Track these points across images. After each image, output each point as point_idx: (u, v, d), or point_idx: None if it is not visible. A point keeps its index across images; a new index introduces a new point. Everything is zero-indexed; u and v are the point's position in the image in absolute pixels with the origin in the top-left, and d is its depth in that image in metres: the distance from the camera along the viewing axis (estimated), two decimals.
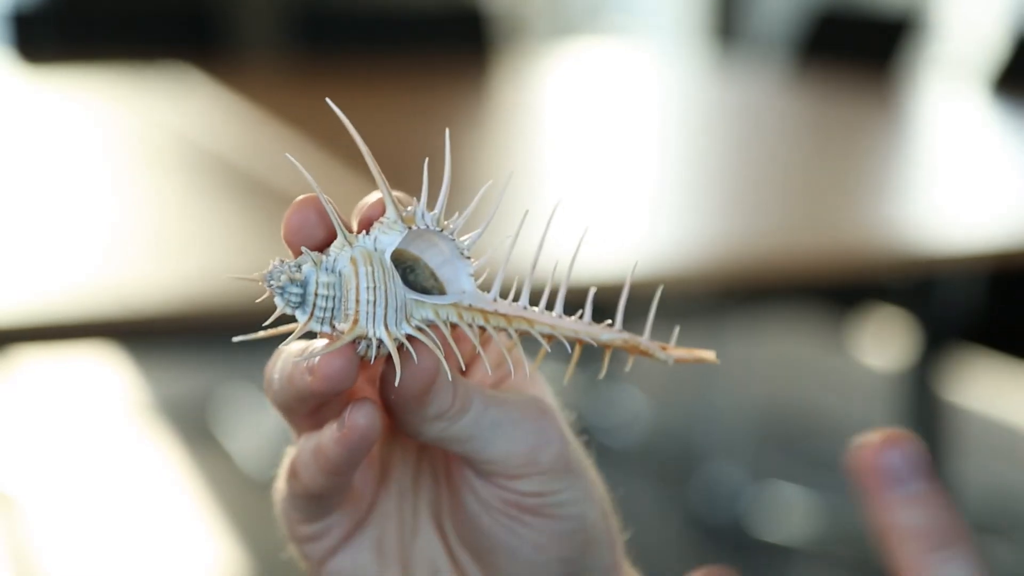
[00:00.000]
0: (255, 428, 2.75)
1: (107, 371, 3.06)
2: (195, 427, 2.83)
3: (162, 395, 3.02)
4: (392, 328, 0.46)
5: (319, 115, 2.51)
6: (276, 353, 0.48)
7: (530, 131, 2.67)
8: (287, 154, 0.49)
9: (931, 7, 4.28)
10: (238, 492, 2.56)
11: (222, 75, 2.77)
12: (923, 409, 2.27)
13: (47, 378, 2.98)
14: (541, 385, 0.52)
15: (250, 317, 0.47)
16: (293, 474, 0.49)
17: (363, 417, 0.46)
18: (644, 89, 3.29)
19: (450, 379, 0.47)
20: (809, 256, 1.62)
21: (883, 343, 2.58)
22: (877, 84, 3.00)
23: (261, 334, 0.47)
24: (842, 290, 2.40)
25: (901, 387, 2.33)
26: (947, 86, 3.18)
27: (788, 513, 2.50)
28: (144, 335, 1.96)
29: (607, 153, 2.32)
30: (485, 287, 0.49)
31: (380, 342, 0.46)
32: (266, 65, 3.30)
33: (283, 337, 0.47)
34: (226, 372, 2.95)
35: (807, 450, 2.85)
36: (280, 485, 0.51)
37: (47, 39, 3.18)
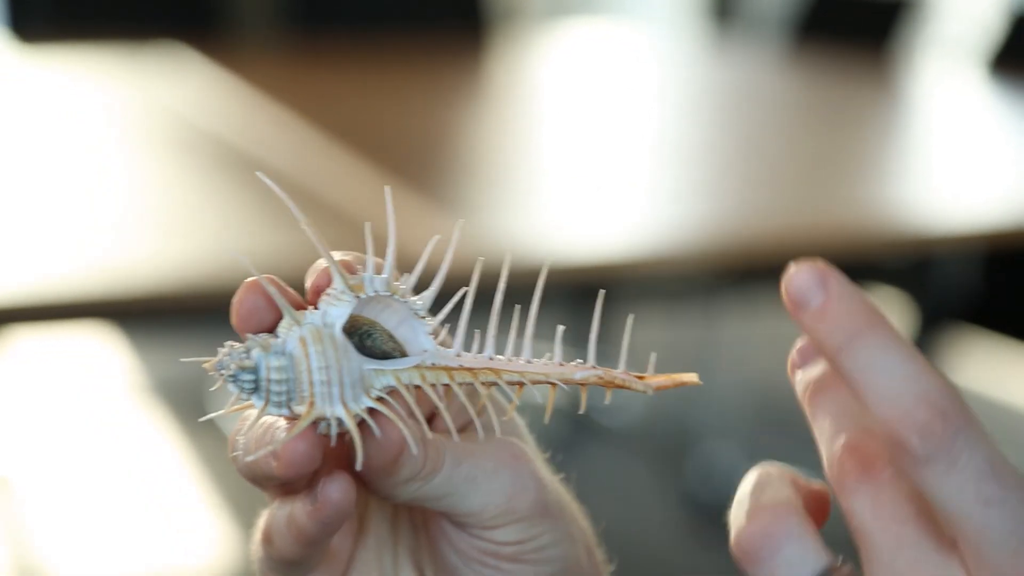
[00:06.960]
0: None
1: (104, 351, 3.06)
2: (191, 407, 2.83)
3: (159, 375, 3.02)
4: (351, 404, 0.44)
5: (314, 95, 2.51)
6: (239, 422, 0.47)
7: (526, 111, 2.67)
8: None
9: None
10: (234, 473, 2.56)
11: (218, 55, 2.76)
12: None
13: (44, 358, 2.98)
14: (512, 423, 0.51)
15: None
16: (267, 540, 0.48)
17: (336, 491, 0.45)
18: (640, 70, 3.29)
19: (415, 449, 0.45)
20: (805, 235, 1.62)
21: None
22: (874, 64, 2.99)
23: (222, 412, 0.46)
24: (838, 270, 2.40)
25: None
26: (943, 66, 3.18)
27: None
28: (141, 315, 1.97)
29: (603, 134, 2.32)
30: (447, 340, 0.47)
31: (340, 420, 0.44)
32: (262, 45, 3.29)
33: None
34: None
35: (802, 430, 2.85)
36: (256, 546, 0.50)
37: (42, 18, 3.17)
